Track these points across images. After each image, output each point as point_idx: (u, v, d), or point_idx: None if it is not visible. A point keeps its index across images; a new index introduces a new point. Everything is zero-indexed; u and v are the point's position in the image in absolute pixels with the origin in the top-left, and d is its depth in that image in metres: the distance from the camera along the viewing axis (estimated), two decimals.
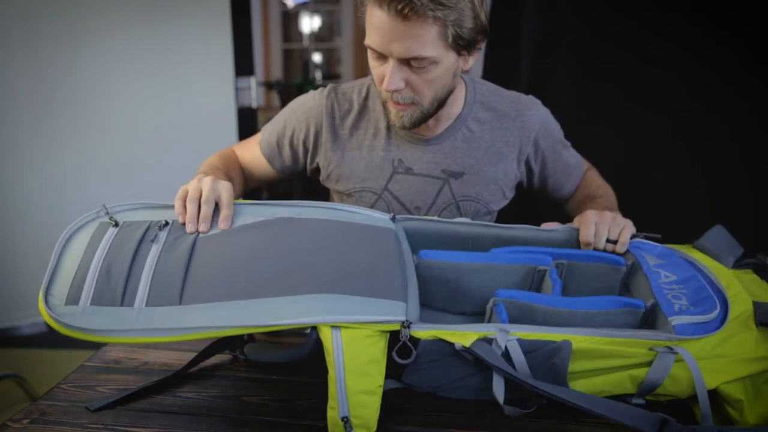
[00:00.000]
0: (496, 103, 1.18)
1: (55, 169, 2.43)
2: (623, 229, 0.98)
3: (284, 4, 6.49)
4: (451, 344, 0.74)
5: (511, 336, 0.73)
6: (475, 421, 0.79)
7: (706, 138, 1.58)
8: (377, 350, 0.72)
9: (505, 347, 0.73)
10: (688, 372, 0.75)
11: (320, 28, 6.88)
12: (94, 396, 0.84)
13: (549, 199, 1.30)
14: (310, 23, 6.76)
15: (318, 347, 0.74)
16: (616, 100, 1.73)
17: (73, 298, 0.73)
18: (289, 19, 6.79)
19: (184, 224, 0.86)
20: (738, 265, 0.92)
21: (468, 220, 1.01)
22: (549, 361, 0.74)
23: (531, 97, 1.21)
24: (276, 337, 1.01)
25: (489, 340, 0.73)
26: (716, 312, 0.79)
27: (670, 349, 0.75)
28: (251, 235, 0.85)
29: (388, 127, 1.17)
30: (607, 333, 0.75)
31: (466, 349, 0.72)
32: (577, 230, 1.00)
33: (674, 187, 1.63)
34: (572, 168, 1.25)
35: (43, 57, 2.31)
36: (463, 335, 0.74)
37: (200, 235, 0.85)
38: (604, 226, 0.98)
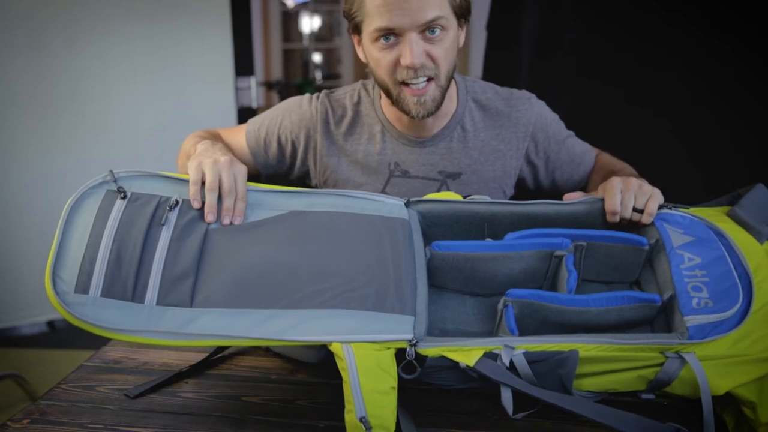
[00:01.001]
0: (488, 101, 1.17)
1: (55, 168, 2.43)
2: (650, 198, 0.91)
3: (284, 4, 6.49)
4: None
5: (516, 351, 0.73)
6: (475, 420, 0.79)
7: (705, 138, 1.58)
8: (387, 357, 0.73)
9: (511, 361, 0.72)
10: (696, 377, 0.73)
11: (320, 28, 6.89)
12: (94, 396, 0.84)
13: (564, 193, 1.28)
14: (310, 23, 6.76)
15: (330, 354, 0.75)
16: (615, 99, 1.73)
17: (82, 287, 0.73)
18: (289, 19, 6.79)
19: (197, 209, 0.84)
20: None
21: (486, 197, 0.96)
22: (555, 371, 0.73)
23: (524, 92, 1.20)
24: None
25: (494, 356, 0.73)
26: (737, 306, 0.76)
27: (680, 355, 0.73)
28: (263, 235, 0.83)
29: (383, 131, 1.16)
30: (617, 340, 0.74)
31: (470, 369, 0.72)
32: (602, 200, 0.94)
33: (674, 187, 1.63)
34: (580, 156, 1.21)
35: (43, 57, 2.31)
36: (468, 352, 0.73)
37: (212, 225, 0.83)
38: (629, 193, 0.92)
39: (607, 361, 0.74)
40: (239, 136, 1.21)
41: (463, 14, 1.04)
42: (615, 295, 0.80)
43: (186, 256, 0.78)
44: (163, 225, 0.80)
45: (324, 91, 1.20)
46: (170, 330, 0.72)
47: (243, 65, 2.54)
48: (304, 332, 0.73)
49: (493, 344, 0.73)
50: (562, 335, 0.75)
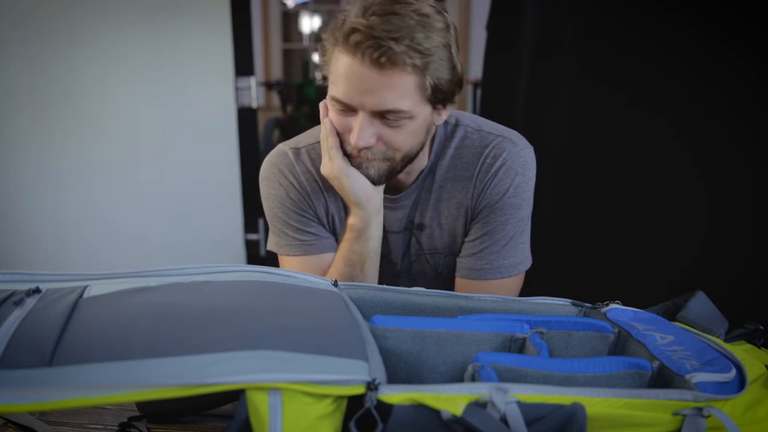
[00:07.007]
0: (465, 149, 1.06)
1: (54, 168, 2.43)
2: None
3: (284, 4, 6.51)
4: (436, 412, 0.57)
5: (509, 398, 0.59)
6: None
7: (705, 138, 1.58)
8: (329, 411, 0.55)
9: (504, 415, 0.58)
10: None
11: (320, 28, 6.90)
12: None
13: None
14: (310, 23, 6.77)
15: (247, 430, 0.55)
16: (616, 99, 1.73)
17: None
18: (289, 19, 6.80)
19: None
20: (728, 338, 0.82)
21: (423, 289, 0.87)
22: None
23: (510, 144, 1.04)
24: (183, 425, 0.83)
25: (482, 405, 0.58)
26: (733, 372, 0.68)
27: (699, 410, 0.62)
28: (155, 295, 0.68)
29: None
30: (624, 393, 0.63)
31: (457, 420, 0.57)
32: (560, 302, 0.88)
33: (674, 187, 1.64)
34: (490, 253, 1.04)
35: (42, 57, 2.31)
36: (448, 399, 0.58)
37: (83, 297, 0.66)
38: None
39: (616, 424, 0.62)
40: (288, 265, 1.10)
41: (441, 99, 0.93)
42: (603, 359, 0.70)
43: (46, 324, 0.60)
44: (16, 305, 0.63)
45: (291, 152, 1.09)
46: (21, 388, 0.51)
47: (243, 65, 2.54)
48: (212, 374, 0.53)
49: (479, 390, 0.59)
50: (560, 387, 0.62)
